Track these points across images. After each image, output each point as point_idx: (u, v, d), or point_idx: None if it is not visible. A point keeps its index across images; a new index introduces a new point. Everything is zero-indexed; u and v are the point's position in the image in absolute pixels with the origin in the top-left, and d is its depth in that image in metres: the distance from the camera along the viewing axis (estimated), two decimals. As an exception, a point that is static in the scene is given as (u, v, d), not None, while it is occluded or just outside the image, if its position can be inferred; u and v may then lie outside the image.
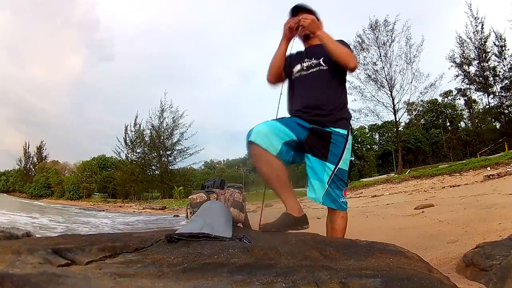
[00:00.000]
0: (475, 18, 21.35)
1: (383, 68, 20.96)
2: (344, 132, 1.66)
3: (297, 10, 1.78)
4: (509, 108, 22.15)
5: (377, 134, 35.65)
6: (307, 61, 1.74)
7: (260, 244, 1.15)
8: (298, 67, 1.77)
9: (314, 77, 1.71)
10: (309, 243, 1.16)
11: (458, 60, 22.71)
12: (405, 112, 24.55)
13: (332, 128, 1.64)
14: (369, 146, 33.99)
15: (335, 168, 1.62)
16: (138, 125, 32.63)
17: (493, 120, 24.74)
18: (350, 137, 1.68)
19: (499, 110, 22.74)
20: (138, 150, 32.66)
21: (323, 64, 1.70)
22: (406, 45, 20.34)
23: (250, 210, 2.06)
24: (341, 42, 1.75)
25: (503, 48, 21.05)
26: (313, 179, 1.66)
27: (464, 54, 22.43)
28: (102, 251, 0.94)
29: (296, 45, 1.87)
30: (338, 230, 1.65)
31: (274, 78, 1.83)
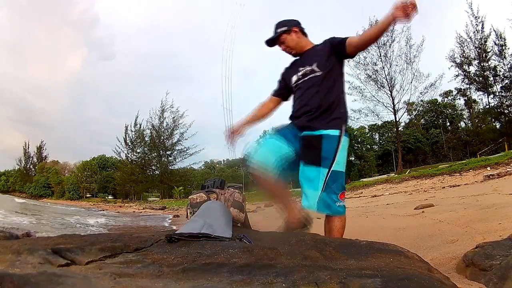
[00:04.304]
0: (476, 17, 21.35)
1: (383, 68, 20.97)
2: (336, 132, 1.62)
3: (272, 43, 1.83)
4: (509, 108, 22.13)
5: (377, 134, 35.65)
6: (301, 70, 1.76)
7: (260, 244, 1.15)
8: (294, 78, 1.79)
9: (308, 83, 1.73)
10: (309, 243, 1.16)
11: (458, 60, 22.70)
12: (405, 112, 24.53)
13: (322, 131, 1.61)
14: (369, 146, 34.00)
15: (328, 172, 1.58)
16: (138, 125, 32.68)
17: (493, 120, 24.74)
18: (344, 138, 1.63)
19: (499, 110, 22.72)
20: (138, 150, 32.71)
21: (317, 69, 1.71)
22: (406, 45, 20.36)
23: (250, 210, 2.06)
24: (329, 38, 1.75)
25: (503, 48, 21.04)
26: (307, 187, 1.62)
27: (464, 54, 22.41)
28: (102, 251, 0.94)
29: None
30: (335, 231, 1.61)
31: (275, 110, 1.95)
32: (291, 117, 1.79)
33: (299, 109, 1.73)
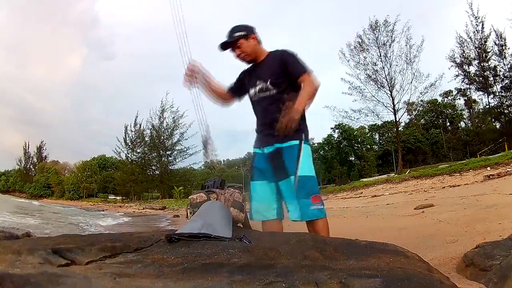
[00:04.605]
0: (476, 17, 21.35)
1: (383, 68, 20.96)
2: (296, 142, 1.69)
3: (226, 46, 1.76)
4: (509, 108, 22.13)
5: (377, 134, 35.64)
6: (258, 84, 1.76)
7: (260, 244, 1.16)
8: (252, 91, 1.80)
9: (264, 100, 1.75)
10: (309, 243, 1.16)
11: (458, 60, 22.71)
12: (405, 112, 24.54)
13: (282, 144, 1.69)
14: (369, 146, 33.98)
15: (295, 178, 1.63)
16: (138, 125, 32.65)
17: (493, 120, 24.73)
18: (304, 146, 1.70)
19: (499, 110, 22.72)
20: (138, 150, 32.69)
21: (271, 87, 1.72)
22: (406, 46, 20.33)
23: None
24: (284, 54, 1.72)
25: (503, 48, 21.03)
26: (288, 201, 1.68)
27: (464, 54, 22.42)
28: (102, 251, 0.94)
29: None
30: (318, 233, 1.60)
31: (225, 104, 1.94)
32: (256, 131, 1.85)
33: (260, 126, 1.80)
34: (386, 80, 20.85)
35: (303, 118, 1.77)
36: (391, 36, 20.48)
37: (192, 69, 1.79)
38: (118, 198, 34.34)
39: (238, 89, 1.89)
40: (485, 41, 21.38)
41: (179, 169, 32.37)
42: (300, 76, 1.66)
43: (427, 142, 31.98)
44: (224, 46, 1.76)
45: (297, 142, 1.69)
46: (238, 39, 1.73)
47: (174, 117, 31.09)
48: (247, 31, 1.75)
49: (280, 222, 1.78)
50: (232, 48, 1.76)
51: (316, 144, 32.25)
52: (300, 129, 1.73)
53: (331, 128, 32.02)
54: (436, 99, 30.95)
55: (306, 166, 1.67)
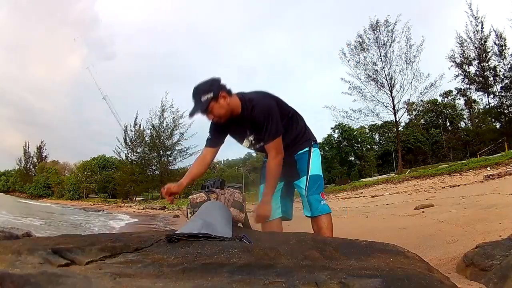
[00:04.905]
0: (475, 17, 21.35)
1: (383, 68, 20.94)
2: (306, 149, 1.83)
3: (195, 112, 1.57)
4: (509, 108, 22.12)
5: (377, 134, 35.63)
6: (250, 135, 1.73)
7: (260, 244, 1.16)
8: (245, 142, 1.77)
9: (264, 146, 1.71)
10: (309, 243, 1.16)
11: (458, 60, 22.69)
12: (405, 112, 24.52)
13: (296, 155, 1.82)
14: (369, 146, 33.96)
15: (307, 177, 1.77)
16: (138, 125, 32.65)
17: (493, 120, 24.73)
18: (314, 149, 1.85)
19: (499, 110, 22.71)
20: (138, 150, 32.69)
21: (260, 138, 1.68)
22: (406, 45, 20.31)
23: (250, 210, 2.07)
24: (257, 117, 1.61)
25: (503, 48, 21.03)
26: (302, 199, 1.82)
27: (464, 54, 22.41)
28: (102, 251, 0.94)
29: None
30: (324, 228, 1.71)
31: (211, 163, 1.87)
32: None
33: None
34: (386, 80, 20.82)
35: (304, 125, 1.89)
36: (391, 36, 20.47)
37: (169, 193, 1.65)
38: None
39: (220, 140, 1.78)
40: (485, 41, 21.37)
41: (179, 169, 32.31)
42: (265, 146, 1.66)
43: (427, 142, 31.98)
44: (193, 113, 1.57)
45: (307, 148, 1.83)
46: (207, 105, 1.53)
47: (174, 117, 31.05)
48: (214, 91, 1.53)
49: (280, 221, 1.85)
50: (202, 114, 1.57)
51: (316, 144, 32.22)
52: (307, 138, 1.86)
53: (331, 128, 31.99)
54: (436, 99, 30.94)
55: (316, 166, 1.81)
